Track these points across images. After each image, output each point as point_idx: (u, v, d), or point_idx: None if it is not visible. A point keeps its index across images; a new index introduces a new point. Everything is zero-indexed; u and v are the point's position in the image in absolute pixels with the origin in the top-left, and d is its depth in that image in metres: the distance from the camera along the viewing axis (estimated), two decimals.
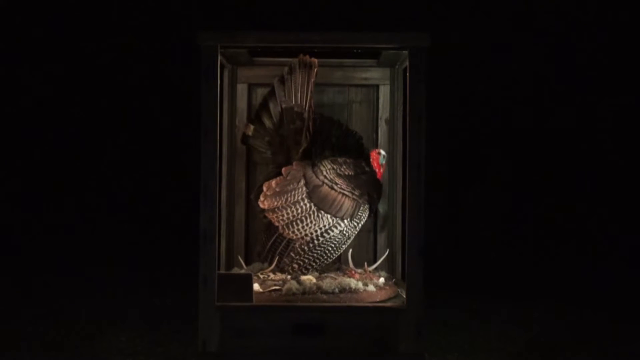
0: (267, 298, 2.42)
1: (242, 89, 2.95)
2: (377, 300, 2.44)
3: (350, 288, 2.48)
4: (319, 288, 2.46)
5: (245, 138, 2.81)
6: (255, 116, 2.78)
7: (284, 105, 2.63)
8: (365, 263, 2.78)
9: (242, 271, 2.67)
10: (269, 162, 2.75)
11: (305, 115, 2.61)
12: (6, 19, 4.83)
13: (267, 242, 2.68)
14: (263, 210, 2.62)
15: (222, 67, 2.73)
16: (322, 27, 2.59)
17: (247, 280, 2.38)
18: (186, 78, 4.20)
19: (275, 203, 2.58)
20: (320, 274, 2.63)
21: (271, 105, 2.70)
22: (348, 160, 2.68)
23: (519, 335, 3.23)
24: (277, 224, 2.59)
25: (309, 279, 2.54)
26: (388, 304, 2.42)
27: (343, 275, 2.62)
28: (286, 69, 2.66)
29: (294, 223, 2.58)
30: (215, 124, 2.34)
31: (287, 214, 2.58)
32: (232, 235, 2.94)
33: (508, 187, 4.96)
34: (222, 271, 2.70)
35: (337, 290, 2.46)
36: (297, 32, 2.43)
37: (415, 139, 2.34)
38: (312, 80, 2.60)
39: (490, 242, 4.90)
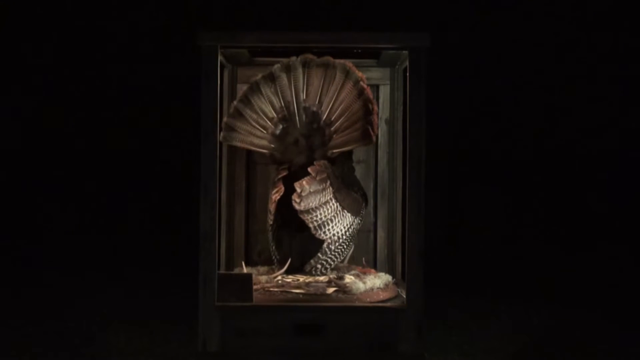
0: (267, 298, 2.42)
1: (242, 89, 2.95)
2: (377, 300, 2.45)
3: (390, 283, 2.57)
4: (371, 286, 2.51)
5: (228, 137, 2.64)
6: (237, 113, 2.64)
7: (305, 105, 2.61)
8: (364, 259, 2.81)
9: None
10: (280, 162, 2.68)
11: (323, 116, 2.60)
12: (6, 18, 4.84)
13: (278, 243, 2.66)
14: (278, 210, 2.59)
15: (222, 67, 2.73)
16: (322, 27, 2.59)
17: (247, 280, 2.38)
18: (186, 78, 4.20)
19: (310, 204, 2.54)
20: (337, 273, 2.65)
21: (258, 105, 2.63)
22: (346, 161, 2.71)
23: (519, 335, 3.23)
24: (310, 225, 2.55)
25: (349, 278, 2.57)
26: (388, 304, 2.42)
27: (361, 273, 2.67)
28: (278, 66, 2.61)
29: (325, 224, 2.56)
30: (215, 124, 2.34)
31: (319, 214, 2.55)
32: (232, 235, 2.94)
33: (508, 187, 4.96)
34: (222, 271, 2.70)
35: (382, 286, 2.53)
36: (297, 32, 2.43)
37: (415, 139, 2.34)
38: (362, 82, 2.58)
39: (490, 242, 4.90)
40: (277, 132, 2.64)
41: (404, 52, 2.54)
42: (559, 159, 4.92)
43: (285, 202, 2.57)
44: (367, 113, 2.56)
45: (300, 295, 2.44)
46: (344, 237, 2.62)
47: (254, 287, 2.42)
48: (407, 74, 2.35)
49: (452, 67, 4.64)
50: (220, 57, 2.39)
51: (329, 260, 2.62)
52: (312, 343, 2.31)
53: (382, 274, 2.66)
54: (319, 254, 2.60)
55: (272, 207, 2.61)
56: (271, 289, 2.47)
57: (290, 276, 2.61)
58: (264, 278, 2.57)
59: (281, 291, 2.46)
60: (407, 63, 2.39)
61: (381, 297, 2.45)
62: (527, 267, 4.67)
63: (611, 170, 4.88)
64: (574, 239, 4.86)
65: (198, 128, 2.32)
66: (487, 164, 4.95)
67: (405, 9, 4.66)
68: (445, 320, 3.46)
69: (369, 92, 2.58)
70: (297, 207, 2.52)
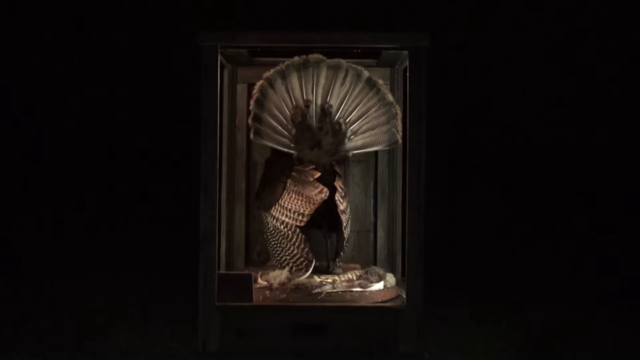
0: (267, 298, 2.42)
1: (242, 89, 2.95)
2: (378, 300, 2.45)
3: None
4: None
5: (258, 136, 2.61)
6: (258, 111, 2.62)
7: (325, 106, 2.62)
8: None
9: (273, 277, 2.59)
10: (302, 161, 2.66)
11: (343, 117, 2.63)
12: (5, 17, 4.84)
13: (301, 245, 2.62)
14: (307, 212, 2.57)
15: (222, 67, 2.73)
16: (322, 27, 2.59)
17: (247, 280, 2.38)
18: (186, 78, 4.20)
19: (346, 204, 2.63)
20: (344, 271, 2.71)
21: (275, 102, 2.62)
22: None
23: (519, 335, 3.23)
24: (344, 224, 2.60)
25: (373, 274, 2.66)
26: (388, 304, 2.42)
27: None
28: (288, 64, 2.61)
29: (348, 222, 2.65)
30: (215, 124, 2.34)
31: (347, 213, 2.63)
32: (232, 235, 2.94)
33: (509, 187, 4.96)
34: (222, 271, 2.70)
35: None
36: (297, 32, 2.43)
37: (415, 139, 2.34)
38: (380, 86, 2.65)
39: (490, 242, 4.90)
40: (301, 132, 2.63)
41: (404, 52, 2.54)
42: (559, 158, 4.92)
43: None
44: (392, 117, 2.64)
45: (367, 293, 2.47)
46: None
47: (318, 290, 2.44)
48: (407, 74, 2.35)
49: (452, 67, 4.64)
50: (220, 57, 2.39)
51: (342, 258, 2.71)
52: (312, 343, 2.31)
53: (374, 267, 2.76)
54: (341, 252, 2.67)
55: (309, 208, 2.56)
56: (335, 292, 2.46)
57: (318, 277, 2.59)
58: (315, 280, 2.55)
59: (343, 292, 2.47)
60: (407, 63, 2.39)
61: (381, 297, 2.45)
62: (528, 267, 4.67)
63: (612, 170, 4.88)
64: (575, 239, 4.86)
65: (198, 128, 2.32)
66: (487, 164, 4.95)
67: (405, 9, 4.66)
68: (445, 320, 3.45)
69: (390, 96, 2.66)
70: (340, 206, 2.56)
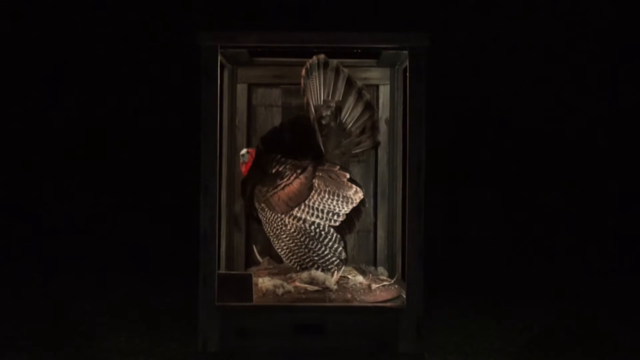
0: (267, 298, 2.42)
1: (242, 89, 2.95)
2: (379, 300, 2.45)
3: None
4: None
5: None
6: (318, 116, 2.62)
7: (338, 107, 2.69)
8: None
9: (322, 278, 2.56)
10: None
11: (344, 118, 2.71)
12: (6, 18, 4.84)
13: (334, 245, 2.57)
14: (344, 212, 2.55)
15: (222, 67, 2.73)
16: (322, 27, 2.60)
17: (247, 280, 2.37)
18: (186, 78, 4.21)
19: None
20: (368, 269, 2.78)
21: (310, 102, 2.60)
22: None
23: (519, 335, 3.23)
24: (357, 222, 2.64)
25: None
26: (388, 304, 2.42)
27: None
28: (312, 63, 2.61)
29: None
30: (215, 124, 2.34)
31: None
32: (232, 235, 2.94)
33: (508, 187, 4.96)
34: (222, 271, 2.69)
35: None
36: (297, 32, 2.43)
37: (415, 139, 2.34)
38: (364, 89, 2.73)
39: (490, 242, 4.90)
40: (327, 132, 2.65)
41: (404, 52, 2.54)
42: (559, 158, 4.92)
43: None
44: (375, 118, 2.75)
45: (396, 287, 2.52)
46: None
47: (375, 286, 2.46)
48: (407, 74, 2.35)
49: (452, 67, 4.64)
50: (220, 57, 2.39)
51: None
52: (312, 343, 2.31)
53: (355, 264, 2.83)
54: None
55: (345, 207, 2.53)
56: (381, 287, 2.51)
57: (349, 275, 2.63)
58: (359, 280, 2.56)
59: (382, 286, 2.51)
60: (407, 63, 2.39)
61: (381, 297, 2.45)
62: (528, 267, 4.67)
63: (613, 170, 4.88)
64: (575, 239, 4.86)
65: (198, 128, 2.32)
66: (487, 164, 4.96)
67: (405, 9, 4.66)
68: (445, 320, 3.46)
69: (369, 97, 2.74)
70: (366, 204, 2.63)
